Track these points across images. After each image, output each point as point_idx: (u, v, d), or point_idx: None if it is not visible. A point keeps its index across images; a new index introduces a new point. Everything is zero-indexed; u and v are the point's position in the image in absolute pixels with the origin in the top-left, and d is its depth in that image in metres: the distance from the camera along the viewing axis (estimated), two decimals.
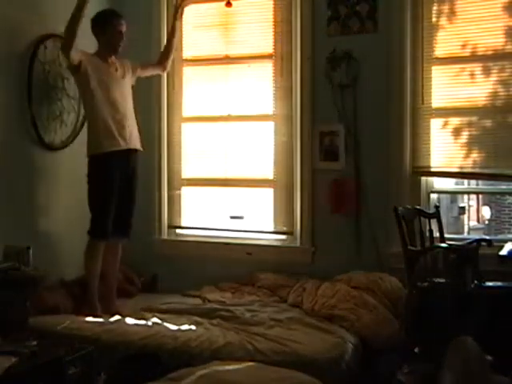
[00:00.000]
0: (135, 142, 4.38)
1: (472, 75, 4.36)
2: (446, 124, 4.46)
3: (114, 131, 4.22)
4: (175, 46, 4.76)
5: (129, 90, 4.43)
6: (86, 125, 4.50)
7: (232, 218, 5.00)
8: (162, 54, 4.73)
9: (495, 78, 4.30)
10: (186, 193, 5.17)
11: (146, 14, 5.03)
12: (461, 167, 4.44)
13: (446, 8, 4.41)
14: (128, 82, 4.45)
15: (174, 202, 5.18)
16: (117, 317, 4.10)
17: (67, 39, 4.05)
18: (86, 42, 4.28)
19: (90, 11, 4.18)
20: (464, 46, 4.37)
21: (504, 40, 4.25)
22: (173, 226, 5.19)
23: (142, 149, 4.45)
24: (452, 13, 4.39)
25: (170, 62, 4.74)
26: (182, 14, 4.73)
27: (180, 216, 5.19)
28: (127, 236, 4.45)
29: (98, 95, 4.21)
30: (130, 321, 4.02)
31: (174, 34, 4.71)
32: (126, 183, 4.32)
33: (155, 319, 4.02)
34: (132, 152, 4.36)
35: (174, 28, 4.71)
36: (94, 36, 4.34)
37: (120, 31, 4.31)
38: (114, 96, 4.26)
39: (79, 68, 4.17)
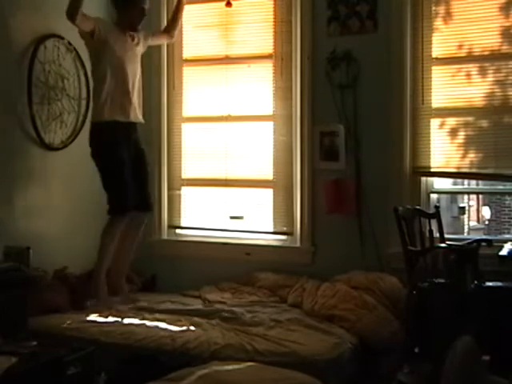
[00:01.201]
0: (138, 115, 4.38)
1: (472, 75, 4.36)
2: (446, 124, 4.46)
3: (119, 103, 4.23)
4: (183, 14, 4.73)
5: (139, 62, 4.43)
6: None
7: (232, 218, 5.00)
8: (169, 22, 4.72)
9: (496, 78, 4.30)
10: (186, 193, 5.17)
11: None
12: (461, 167, 4.44)
13: (446, 8, 4.40)
14: (140, 54, 4.45)
15: (173, 202, 5.18)
16: (116, 317, 4.09)
17: (72, 3, 3.95)
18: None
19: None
20: (464, 46, 4.37)
21: (505, 40, 4.25)
22: (173, 226, 5.19)
23: (143, 121, 4.46)
24: (452, 13, 4.39)
25: (177, 31, 4.74)
26: None
27: (180, 216, 5.18)
28: (150, 209, 4.45)
29: (110, 66, 4.21)
30: (129, 321, 4.01)
31: (181, 2, 4.68)
32: (134, 155, 4.31)
33: (155, 321, 4.01)
34: (134, 125, 4.36)
35: None
36: (114, 8, 4.35)
37: (143, 8, 4.30)
38: (126, 69, 4.26)
39: (92, 35, 4.14)
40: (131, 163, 4.29)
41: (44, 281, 4.06)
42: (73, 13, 3.96)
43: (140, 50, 4.45)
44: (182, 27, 5.04)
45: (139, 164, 4.37)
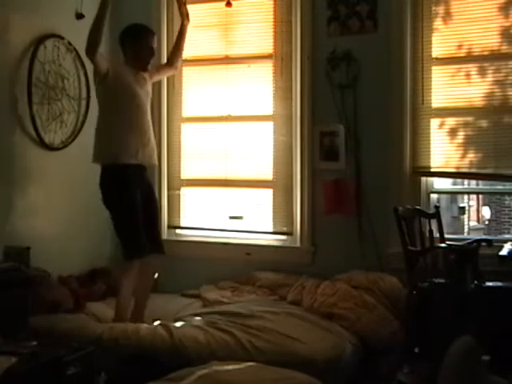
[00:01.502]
0: (153, 157, 4.25)
1: (472, 75, 4.36)
2: (445, 124, 4.46)
3: (134, 145, 4.08)
4: (184, 46, 4.64)
5: (149, 101, 4.33)
6: (95, 132, 4.19)
7: (231, 218, 5.00)
8: (172, 54, 4.61)
9: (496, 78, 4.30)
10: (186, 193, 5.17)
11: (143, 15, 5.00)
12: (460, 167, 4.44)
13: (446, 8, 4.41)
14: (150, 91, 4.34)
15: (173, 202, 5.17)
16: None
17: (92, 42, 3.86)
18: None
19: (88, 14, 4.07)
20: (464, 47, 4.37)
21: (505, 40, 4.25)
22: (172, 226, 5.19)
23: (156, 163, 4.37)
24: (452, 13, 4.39)
25: (180, 62, 4.67)
26: (186, 13, 4.56)
27: (179, 216, 5.18)
28: (162, 251, 4.27)
29: (123, 107, 4.07)
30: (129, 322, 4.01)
31: (184, 33, 4.59)
32: (146, 195, 4.17)
33: (154, 321, 4.02)
34: (145, 168, 4.24)
35: (183, 27, 4.58)
36: (122, 50, 4.22)
37: (152, 47, 4.21)
38: (140, 109, 4.13)
39: (107, 76, 4.02)
40: (143, 204, 4.13)
41: (44, 281, 4.05)
42: (93, 49, 3.88)
43: (150, 88, 4.32)
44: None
45: (150, 204, 4.22)
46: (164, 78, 4.80)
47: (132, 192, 4.06)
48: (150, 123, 4.26)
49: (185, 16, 4.57)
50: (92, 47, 3.90)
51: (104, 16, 3.89)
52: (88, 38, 3.89)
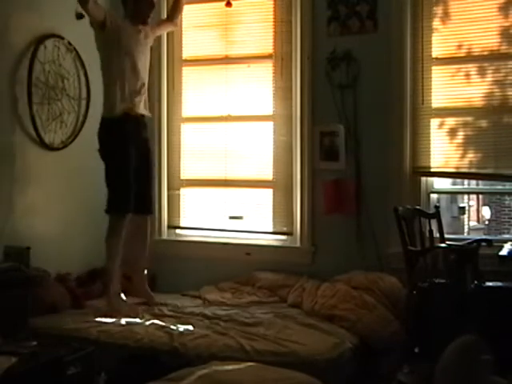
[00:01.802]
0: (146, 108, 4.35)
1: (472, 75, 4.36)
2: (445, 124, 4.46)
3: (131, 96, 4.18)
4: (184, 2, 4.68)
5: (149, 55, 4.40)
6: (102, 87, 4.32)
7: (231, 218, 5.00)
8: (171, 10, 4.67)
9: (496, 78, 4.30)
10: (186, 193, 5.17)
11: None
12: (460, 167, 4.44)
13: (446, 8, 4.41)
14: (149, 47, 4.42)
15: (173, 202, 5.17)
16: (115, 318, 4.08)
17: None
18: None
19: None
20: (464, 47, 4.37)
21: (505, 40, 4.25)
22: (172, 226, 5.19)
23: (150, 115, 4.44)
24: (452, 13, 4.39)
25: (179, 17, 4.69)
26: None
27: (179, 216, 5.18)
28: (150, 212, 4.39)
29: (121, 59, 4.17)
30: (129, 321, 4.01)
31: None
32: (141, 154, 4.26)
33: (154, 321, 4.01)
34: (142, 119, 4.31)
35: None
36: (123, 4, 4.31)
37: (152, 1, 4.28)
38: (137, 63, 4.22)
39: (105, 25, 4.09)
40: (138, 163, 4.22)
41: (44, 281, 4.05)
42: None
43: (149, 42, 4.41)
44: (181, 27, 5.05)
45: (145, 165, 4.31)
46: (164, 33, 4.80)
47: (127, 147, 4.16)
48: (146, 77, 4.33)
49: None
50: None
51: None
52: None
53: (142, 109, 4.30)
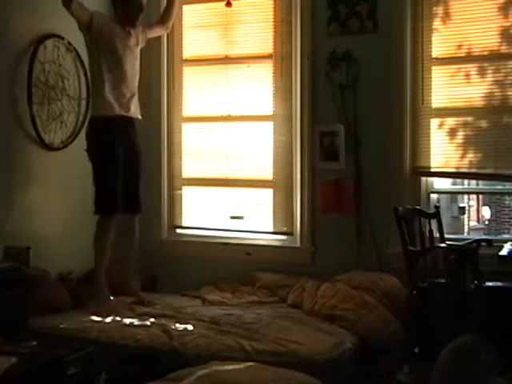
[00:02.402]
0: (137, 110, 4.36)
1: (473, 75, 4.36)
2: (445, 124, 4.46)
3: (118, 97, 4.20)
4: (176, 7, 4.68)
5: (138, 58, 4.41)
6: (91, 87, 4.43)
7: (232, 218, 4.99)
8: (163, 14, 4.66)
9: (496, 78, 4.30)
10: (186, 193, 5.17)
11: (143, 15, 5.00)
12: (460, 167, 4.44)
13: (446, 8, 4.40)
14: (139, 49, 4.43)
15: (174, 202, 5.17)
16: (114, 317, 4.09)
17: None
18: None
19: None
20: (464, 47, 4.37)
21: (504, 40, 4.25)
22: (173, 226, 5.19)
23: (140, 117, 4.43)
24: (452, 13, 4.38)
25: (172, 21, 4.69)
26: None
27: (180, 216, 5.18)
28: (138, 211, 4.40)
29: (109, 61, 4.19)
30: (129, 321, 4.01)
31: None
32: (129, 156, 4.28)
33: (154, 321, 4.01)
34: (131, 121, 4.33)
35: None
36: (112, 4, 4.33)
37: (141, 3, 4.29)
38: (125, 65, 4.24)
39: (91, 27, 4.12)
40: (126, 164, 4.24)
41: (45, 281, 4.05)
42: (68, 1, 3.95)
43: (139, 45, 4.42)
44: (182, 27, 5.05)
45: (134, 167, 4.32)
46: (155, 35, 4.75)
47: (115, 148, 4.18)
48: (136, 80, 4.35)
49: None
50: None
51: None
52: None
53: (133, 111, 4.32)
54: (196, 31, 5.08)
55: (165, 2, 4.77)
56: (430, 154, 4.46)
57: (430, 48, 4.42)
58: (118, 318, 4.05)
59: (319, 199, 4.64)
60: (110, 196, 4.16)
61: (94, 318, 4.06)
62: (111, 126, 4.21)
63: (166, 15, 4.65)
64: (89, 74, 4.54)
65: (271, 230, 4.90)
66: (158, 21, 4.68)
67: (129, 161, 4.27)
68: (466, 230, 13.82)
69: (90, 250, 4.33)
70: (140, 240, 4.56)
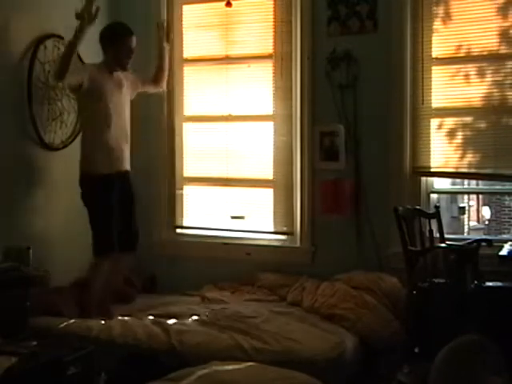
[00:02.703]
0: (127, 163, 4.36)
1: (473, 75, 4.36)
2: (445, 124, 4.46)
3: (110, 153, 4.20)
4: (167, 67, 4.71)
5: (128, 106, 4.40)
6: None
7: (233, 218, 4.99)
8: (156, 74, 4.67)
9: (495, 79, 4.30)
10: (187, 193, 5.17)
11: (143, 15, 5.01)
12: (460, 167, 4.44)
13: (446, 8, 4.40)
14: (129, 97, 4.42)
15: (174, 201, 5.17)
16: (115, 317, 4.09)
17: (62, 68, 3.95)
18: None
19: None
20: (464, 47, 4.37)
21: (504, 41, 4.25)
22: (173, 226, 5.18)
23: (129, 169, 4.40)
24: (452, 13, 4.39)
25: (165, 82, 4.71)
26: (166, 35, 4.65)
27: (180, 216, 5.18)
28: (133, 249, 4.40)
29: (98, 114, 4.18)
30: (128, 321, 4.01)
31: (163, 55, 4.66)
32: (124, 200, 4.29)
33: (154, 321, 4.01)
34: (126, 175, 4.34)
35: (162, 50, 4.66)
36: (102, 48, 4.28)
37: (130, 47, 4.25)
38: (114, 115, 4.21)
39: (79, 88, 4.14)
40: (120, 205, 4.25)
41: (45, 281, 4.05)
42: (61, 75, 3.98)
43: (129, 96, 4.41)
44: (182, 27, 5.06)
45: (126, 205, 4.32)
46: (148, 91, 4.71)
47: (107, 198, 4.19)
48: (126, 129, 4.33)
49: (163, 39, 4.61)
50: (60, 73, 3.97)
51: (77, 45, 3.95)
52: (58, 65, 4.01)
53: (125, 165, 4.32)
54: (196, 31, 5.07)
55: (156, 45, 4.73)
56: (429, 154, 4.46)
57: (430, 48, 4.42)
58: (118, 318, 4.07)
59: (319, 199, 4.64)
60: (106, 240, 4.19)
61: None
62: (102, 183, 4.18)
63: (158, 75, 4.66)
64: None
65: (271, 229, 4.90)
66: (151, 79, 4.66)
67: (122, 205, 4.27)
68: (466, 229, 13.82)
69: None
70: (140, 240, 4.55)
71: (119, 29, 4.30)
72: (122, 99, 4.32)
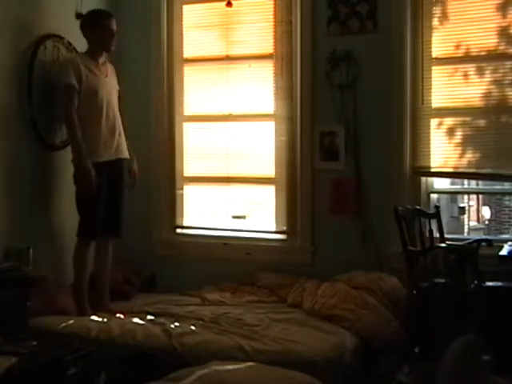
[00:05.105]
0: (123, 151, 4.38)
1: (473, 75, 4.36)
2: (445, 124, 4.46)
3: (102, 141, 4.22)
4: None
5: (116, 94, 4.43)
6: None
7: (234, 217, 4.99)
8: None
9: (495, 78, 4.30)
10: (187, 193, 5.17)
11: (143, 15, 5.02)
12: (460, 167, 4.44)
13: (445, 8, 4.40)
14: (116, 86, 4.46)
15: (174, 201, 5.17)
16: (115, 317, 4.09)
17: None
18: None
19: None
20: (465, 46, 4.37)
21: (504, 40, 4.25)
22: (173, 226, 5.18)
23: (129, 157, 4.44)
24: (452, 13, 4.39)
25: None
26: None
27: (180, 216, 5.18)
28: (118, 235, 4.44)
29: (88, 103, 4.20)
30: (129, 321, 4.01)
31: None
32: (114, 186, 4.31)
33: (154, 321, 4.01)
34: (119, 161, 4.36)
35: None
36: (84, 36, 4.33)
37: (112, 29, 4.30)
38: (103, 102, 4.24)
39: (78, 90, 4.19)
40: (109, 192, 4.28)
41: (45, 280, 4.05)
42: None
43: (115, 85, 4.45)
44: (182, 27, 5.06)
45: (116, 195, 4.35)
46: None
47: (99, 185, 4.18)
48: (118, 117, 4.36)
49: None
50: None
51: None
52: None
53: (119, 152, 4.33)
54: (197, 31, 5.07)
55: None
56: (429, 154, 4.47)
57: (430, 48, 4.42)
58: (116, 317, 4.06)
59: (322, 199, 4.63)
60: (90, 225, 4.24)
61: (94, 317, 4.07)
62: (96, 174, 4.17)
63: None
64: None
65: (272, 229, 4.90)
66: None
67: (113, 190, 4.31)
68: (465, 229, 13.81)
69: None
70: (139, 241, 4.56)
71: (98, 13, 4.36)
72: (109, 87, 4.35)
